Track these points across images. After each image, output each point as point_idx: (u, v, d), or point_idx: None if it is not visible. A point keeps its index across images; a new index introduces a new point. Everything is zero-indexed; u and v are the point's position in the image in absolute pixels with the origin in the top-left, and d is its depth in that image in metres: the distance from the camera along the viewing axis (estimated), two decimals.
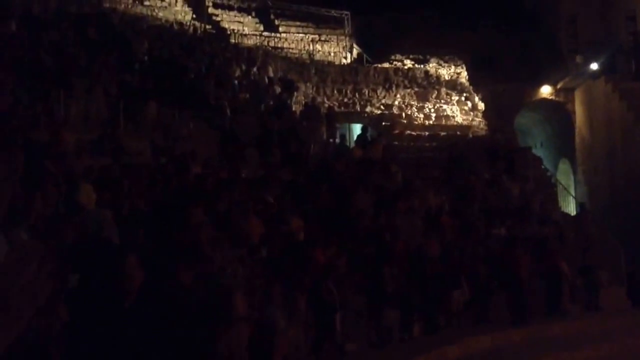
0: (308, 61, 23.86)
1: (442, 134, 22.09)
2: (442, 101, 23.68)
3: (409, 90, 23.62)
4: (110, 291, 3.43)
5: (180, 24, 21.62)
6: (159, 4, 22.36)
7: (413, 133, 22.19)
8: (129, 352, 2.84)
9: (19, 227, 5.82)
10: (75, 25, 12.56)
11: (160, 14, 21.62)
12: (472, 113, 23.75)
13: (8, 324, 1.30)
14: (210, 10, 23.85)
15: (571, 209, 21.90)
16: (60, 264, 4.67)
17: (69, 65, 10.26)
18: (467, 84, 24.62)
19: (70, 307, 3.95)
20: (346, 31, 25.97)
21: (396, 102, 23.27)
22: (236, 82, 17.86)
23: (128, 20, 17.97)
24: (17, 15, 10.87)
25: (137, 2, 21.73)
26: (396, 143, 20.45)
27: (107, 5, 19.64)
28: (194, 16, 23.02)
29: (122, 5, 20.78)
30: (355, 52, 25.89)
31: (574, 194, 23.90)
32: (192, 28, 21.51)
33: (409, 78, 24.02)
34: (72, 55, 10.86)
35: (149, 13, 21.32)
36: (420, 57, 24.90)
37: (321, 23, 26.03)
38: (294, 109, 18.78)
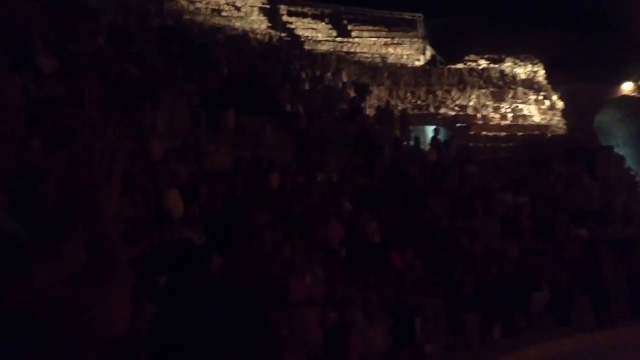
0: (381, 65, 23.90)
1: (520, 134, 21.69)
2: (519, 101, 23.25)
3: (484, 91, 23.31)
4: (196, 291, 3.62)
5: (257, 33, 22.11)
6: (236, 14, 22.94)
7: (489, 134, 21.88)
8: (208, 346, 3.02)
9: None
10: (158, 38, 13.09)
11: (238, 24, 22.16)
12: (550, 112, 23.21)
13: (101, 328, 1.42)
14: (285, 18, 24.26)
15: None
16: (149, 266, 4.95)
17: (154, 77, 10.73)
18: (544, 82, 24.08)
19: (157, 308, 4.20)
20: (419, 34, 25.86)
21: (471, 103, 23.00)
22: (311, 87, 18.12)
23: (207, 32, 18.53)
24: (104, 31, 11.43)
25: (215, 13, 22.35)
26: (472, 144, 20.22)
27: (188, 17, 20.30)
28: (270, 25, 23.49)
29: (202, 17, 21.42)
30: (428, 54, 25.75)
31: None
32: (268, 37, 21.97)
33: (484, 78, 23.70)
34: (156, 68, 11.35)
35: (227, 24, 21.89)
36: (496, 57, 24.53)
37: (394, 27, 26.01)
38: (367, 113, 18.87)
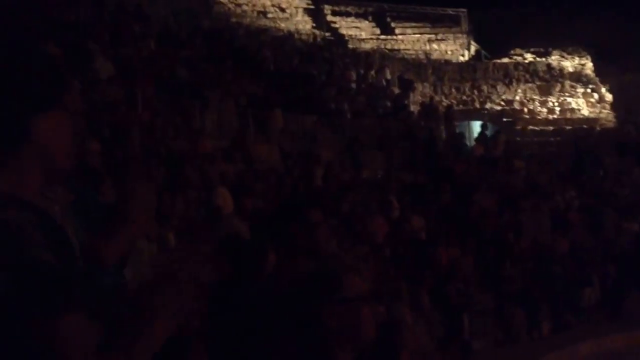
0: (425, 61, 23.84)
1: (568, 127, 21.36)
2: (567, 94, 22.90)
3: (530, 85, 23.04)
4: (250, 286, 3.73)
5: (301, 33, 22.33)
6: (280, 15, 23.21)
7: (536, 128, 21.62)
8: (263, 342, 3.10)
9: (165, 229, 6.39)
10: (206, 41, 13.39)
11: (282, 25, 22.43)
12: (599, 105, 22.80)
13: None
14: (329, 18, 24.42)
15: None
16: (204, 263, 5.11)
17: (203, 78, 11.00)
18: (592, 75, 23.66)
19: (212, 303, 4.34)
20: (463, 29, 25.69)
21: (517, 97, 22.76)
22: (355, 85, 18.22)
23: (253, 33, 18.84)
24: (155, 35, 11.77)
25: (260, 15, 22.66)
26: (518, 139, 20.02)
27: (234, 20, 20.64)
28: (314, 25, 23.68)
29: (248, 19, 21.74)
30: (472, 49, 25.56)
31: None
32: (312, 37, 22.17)
33: (530, 72, 23.42)
34: (205, 70, 11.63)
35: (272, 25, 22.17)
36: (542, 50, 24.20)
37: (437, 22, 25.89)
38: (411, 109, 18.86)
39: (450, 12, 25.77)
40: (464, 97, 22.93)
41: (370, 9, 25.27)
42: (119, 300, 1.55)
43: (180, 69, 10.66)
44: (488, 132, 17.74)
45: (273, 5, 23.37)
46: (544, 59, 23.98)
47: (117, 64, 9.33)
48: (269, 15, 22.87)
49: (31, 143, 1.44)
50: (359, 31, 24.48)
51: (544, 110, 22.41)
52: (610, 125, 21.71)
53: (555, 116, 22.21)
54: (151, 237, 5.70)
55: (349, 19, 24.97)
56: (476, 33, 25.95)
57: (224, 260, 4.08)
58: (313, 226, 3.12)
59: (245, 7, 22.62)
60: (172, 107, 8.77)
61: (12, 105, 1.42)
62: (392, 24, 25.35)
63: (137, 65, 9.65)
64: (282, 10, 23.60)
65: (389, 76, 20.46)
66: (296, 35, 21.51)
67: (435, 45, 25.07)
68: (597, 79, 23.56)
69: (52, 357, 1.30)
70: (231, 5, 22.16)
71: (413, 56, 24.23)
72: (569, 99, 22.73)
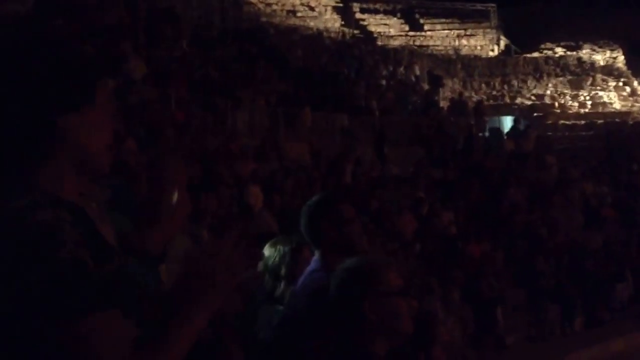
0: (454, 57, 23.74)
1: (599, 121, 21.09)
2: (598, 88, 22.62)
3: (561, 79, 22.80)
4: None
5: (330, 31, 22.42)
6: (310, 14, 23.34)
7: (567, 122, 21.39)
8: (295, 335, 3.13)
9: (199, 226, 6.51)
10: (237, 41, 13.56)
11: (312, 24, 22.55)
12: (631, 99, 22.47)
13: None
14: (358, 15, 24.48)
15: None
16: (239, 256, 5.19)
17: (234, 78, 11.15)
18: (624, 68, 23.32)
19: (245, 298, 4.42)
20: (492, 24, 25.52)
21: (548, 92, 22.55)
22: (384, 82, 18.23)
23: (283, 32, 18.98)
24: (187, 37, 11.96)
25: (290, 14, 22.81)
26: (550, 134, 19.84)
27: (264, 19, 20.82)
28: (343, 23, 23.76)
29: (277, 19, 21.91)
30: (502, 43, 25.38)
31: None
32: (341, 34, 22.24)
33: (561, 66, 23.18)
34: (236, 69, 11.78)
35: (302, 24, 22.31)
36: (572, 44, 23.92)
37: (466, 18, 25.76)
38: (441, 105, 18.82)
39: (480, 7, 25.62)
40: (494, 92, 22.79)
41: (398, 6, 25.24)
42: (157, 297, 1.54)
43: (212, 69, 10.82)
44: (520, 127, 17.63)
45: (302, 4, 23.50)
46: (574, 53, 23.71)
47: (151, 65, 9.51)
48: (299, 14, 23.00)
49: (65, 142, 1.45)
50: (387, 28, 24.47)
51: (575, 104, 22.16)
52: None
53: (586, 110, 21.94)
54: (186, 233, 5.81)
55: (378, 16, 24.98)
56: (506, 28, 25.75)
57: (256, 256, 4.15)
58: (346, 222, 3.15)
59: (274, 7, 22.79)
60: (204, 107, 8.92)
61: (43, 104, 1.42)
62: (421, 21, 25.29)
63: (170, 66, 9.82)
64: (311, 8, 23.71)
65: (418, 72, 20.43)
66: (325, 34, 21.59)
67: (464, 41, 24.95)
68: (629, 72, 23.23)
69: (86, 356, 1.31)
70: (261, 5, 22.34)
71: (442, 52, 24.14)
72: (601, 93, 22.45)
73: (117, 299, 1.36)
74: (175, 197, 1.98)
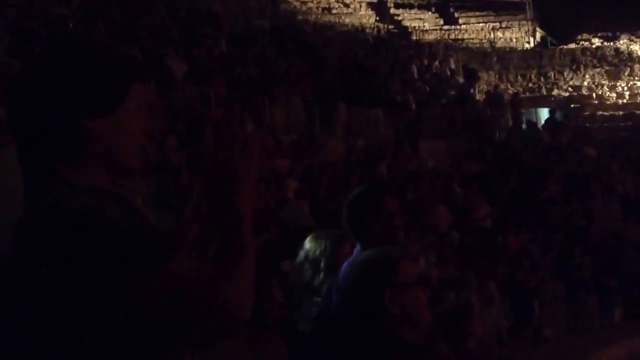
0: (489, 49, 23.60)
1: (638, 112, 20.78)
2: (636, 78, 22.24)
3: (598, 70, 22.48)
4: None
5: (365, 27, 22.52)
6: (345, 10, 23.46)
7: (605, 113, 21.11)
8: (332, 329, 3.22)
9: None
10: (274, 39, 13.76)
11: (347, 20, 22.66)
12: None
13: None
14: (392, 10, 24.50)
15: None
16: (274, 252, 5.29)
17: (271, 75, 11.34)
18: None
19: (284, 292, 4.53)
20: (528, 15, 25.26)
21: (585, 83, 22.27)
22: (419, 77, 18.25)
23: (319, 29, 19.14)
24: (226, 36, 12.20)
25: (325, 11, 22.98)
26: (587, 125, 19.62)
27: (300, 17, 21.02)
28: (377, 18, 23.81)
29: (313, 16, 22.10)
30: (538, 35, 25.12)
31: None
32: (376, 30, 22.31)
33: (598, 57, 22.85)
34: (273, 67, 11.98)
35: (337, 20, 22.45)
36: (609, 34, 23.55)
37: (501, 10, 25.55)
38: (477, 98, 18.76)
39: (515, 0, 25.39)
40: (530, 85, 22.60)
41: (433, 0, 25.18)
42: None
43: (250, 67, 11.03)
44: (557, 119, 17.49)
45: (337, 1, 23.62)
46: (611, 44, 23.34)
47: (191, 64, 9.75)
48: (334, 11, 23.13)
49: (96, 143, 1.49)
50: (422, 22, 24.43)
51: (613, 95, 21.85)
52: None
53: (624, 101, 21.61)
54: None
55: (412, 11, 24.95)
56: (542, 20, 25.47)
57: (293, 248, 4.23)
58: (389, 215, 3.17)
59: (310, 5, 22.95)
60: (242, 104, 9.13)
61: (72, 108, 1.47)
62: (456, 14, 25.18)
63: (209, 65, 10.04)
64: (346, 5, 23.82)
65: (453, 66, 20.39)
66: (360, 30, 21.70)
67: (499, 34, 24.77)
68: None
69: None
70: (297, 4, 22.54)
71: (477, 45, 24.00)
72: (639, 83, 22.09)
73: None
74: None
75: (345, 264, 3.22)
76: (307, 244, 3.91)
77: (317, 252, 3.83)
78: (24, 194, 1.55)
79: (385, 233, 3.13)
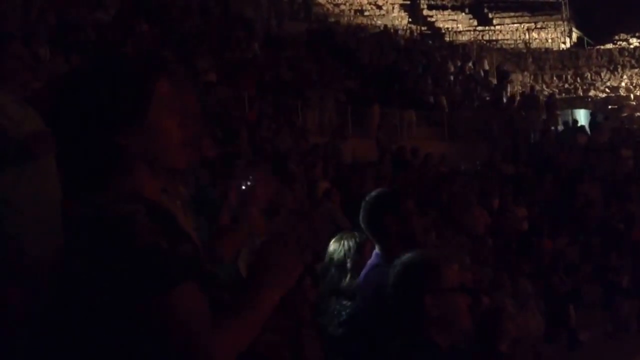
0: (524, 50, 23.35)
1: None
2: None
3: (636, 70, 22.09)
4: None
5: (398, 29, 22.48)
6: (377, 12, 23.47)
7: None
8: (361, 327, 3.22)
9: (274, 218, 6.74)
10: (307, 41, 13.83)
11: (379, 22, 22.66)
12: None
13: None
14: (425, 12, 24.42)
15: None
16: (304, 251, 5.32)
17: (304, 78, 11.41)
18: None
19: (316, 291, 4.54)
20: (563, 16, 24.93)
21: (623, 84, 21.89)
22: (452, 78, 18.15)
23: (351, 31, 19.19)
24: (259, 39, 12.31)
25: (358, 13, 23.02)
26: (626, 126, 19.28)
27: (332, 20, 21.09)
28: (410, 20, 23.75)
29: (345, 18, 22.16)
30: (574, 35, 24.77)
31: None
32: (408, 31, 22.25)
33: (636, 57, 22.44)
34: (305, 69, 12.04)
35: (369, 22, 22.46)
36: None
37: (536, 11, 25.26)
38: (512, 99, 18.57)
39: (550, 0, 25.08)
40: (566, 86, 22.29)
41: (467, 1, 25.01)
42: (231, 289, 1.62)
43: (283, 70, 11.11)
44: (595, 120, 17.22)
45: (369, 3, 23.63)
46: None
47: (225, 67, 9.86)
48: (366, 13, 23.15)
49: (133, 151, 1.52)
50: (455, 24, 24.28)
51: None
52: None
53: None
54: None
55: (446, 12, 24.81)
56: (578, 19, 25.12)
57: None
58: (407, 214, 3.18)
59: (342, 7, 23.03)
60: (275, 107, 9.19)
61: (99, 128, 1.50)
62: (490, 15, 24.97)
63: (243, 68, 10.14)
64: (379, 7, 23.80)
65: (487, 67, 20.24)
66: (393, 31, 21.66)
67: (534, 34, 24.49)
68: None
69: (170, 328, 1.40)
70: (329, 6, 22.61)
71: (512, 46, 23.77)
72: None
73: (196, 275, 1.47)
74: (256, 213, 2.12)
75: (367, 266, 3.21)
76: (331, 245, 3.89)
77: (342, 253, 3.79)
78: (63, 200, 1.61)
79: (404, 233, 3.12)
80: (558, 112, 18.08)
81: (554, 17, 25.04)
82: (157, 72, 1.59)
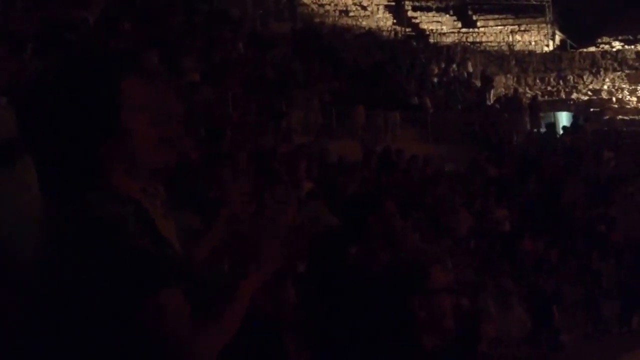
0: (508, 53, 23.49)
1: None
2: None
3: (619, 73, 22.28)
4: (334, 275, 3.91)
5: (383, 30, 22.52)
6: (362, 13, 23.51)
7: (626, 117, 20.90)
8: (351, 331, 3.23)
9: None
10: (292, 42, 13.82)
11: (364, 23, 22.72)
12: None
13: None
14: (410, 13, 24.48)
15: None
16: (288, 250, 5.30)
17: (289, 78, 11.40)
18: None
19: (299, 292, 4.53)
20: (547, 19, 25.10)
21: (605, 87, 22.08)
22: (436, 79, 18.20)
23: (336, 32, 19.22)
24: (244, 38, 12.28)
25: (342, 14, 23.03)
26: (606, 129, 19.44)
27: (317, 20, 21.09)
28: (395, 21, 23.79)
29: (330, 19, 22.18)
30: (557, 38, 24.95)
31: None
32: (393, 33, 22.30)
33: (619, 60, 22.64)
34: (291, 69, 12.03)
35: (354, 23, 22.50)
36: (630, 37, 23.33)
37: (520, 13, 25.42)
38: (494, 101, 18.67)
39: (534, 3, 25.23)
40: (549, 88, 22.44)
41: (451, 3, 25.10)
42: (213, 290, 1.63)
43: (268, 70, 11.09)
44: (578, 122, 17.35)
45: (355, 4, 23.65)
46: (632, 47, 23.13)
47: (209, 66, 9.82)
48: (351, 14, 23.18)
49: (114, 155, 1.53)
50: (440, 25, 24.37)
51: (634, 99, 21.64)
52: None
53: None
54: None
55: (430, 14, 24.89)
56: (561, 22, 25.30)
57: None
58: (389, 217, 3.19)
59: (327, 7, 23.03)
60: (259, 106, 9.18)
61: (79, 140, 1.50)
62: (474, 17, 25.08)
63: (227, 67, 10.11)
64: (364, 8, 23.83)
65: (470, 69, 20.32)
66: (377, 32, 21.71)
67: (518, 37, 24.63)
68: None
69: (154, 328, 1.45)
70: (314, 6, 22.60)
71: (495, 48, 23.90)
72: None
73: (177, 280, 1.50)
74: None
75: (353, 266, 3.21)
76: None
77: None
78: (45, 197, 1.60)
79: (385, 234, 3.13)
80: (541, 115, 18.20)
81: (537, 19, 25.20)
82: (121, 71, 1.56)
